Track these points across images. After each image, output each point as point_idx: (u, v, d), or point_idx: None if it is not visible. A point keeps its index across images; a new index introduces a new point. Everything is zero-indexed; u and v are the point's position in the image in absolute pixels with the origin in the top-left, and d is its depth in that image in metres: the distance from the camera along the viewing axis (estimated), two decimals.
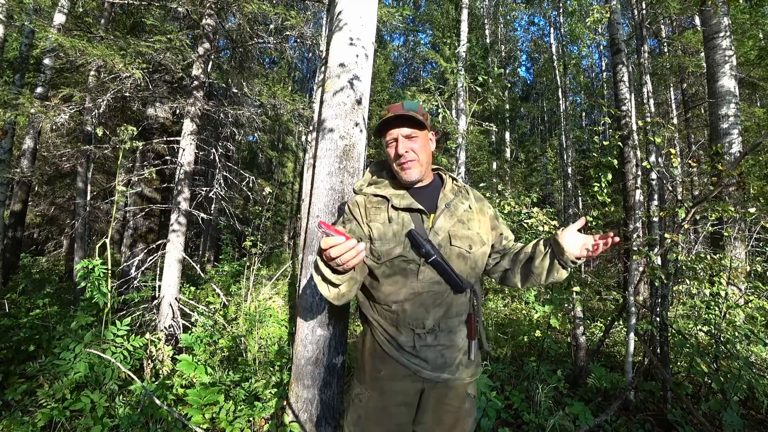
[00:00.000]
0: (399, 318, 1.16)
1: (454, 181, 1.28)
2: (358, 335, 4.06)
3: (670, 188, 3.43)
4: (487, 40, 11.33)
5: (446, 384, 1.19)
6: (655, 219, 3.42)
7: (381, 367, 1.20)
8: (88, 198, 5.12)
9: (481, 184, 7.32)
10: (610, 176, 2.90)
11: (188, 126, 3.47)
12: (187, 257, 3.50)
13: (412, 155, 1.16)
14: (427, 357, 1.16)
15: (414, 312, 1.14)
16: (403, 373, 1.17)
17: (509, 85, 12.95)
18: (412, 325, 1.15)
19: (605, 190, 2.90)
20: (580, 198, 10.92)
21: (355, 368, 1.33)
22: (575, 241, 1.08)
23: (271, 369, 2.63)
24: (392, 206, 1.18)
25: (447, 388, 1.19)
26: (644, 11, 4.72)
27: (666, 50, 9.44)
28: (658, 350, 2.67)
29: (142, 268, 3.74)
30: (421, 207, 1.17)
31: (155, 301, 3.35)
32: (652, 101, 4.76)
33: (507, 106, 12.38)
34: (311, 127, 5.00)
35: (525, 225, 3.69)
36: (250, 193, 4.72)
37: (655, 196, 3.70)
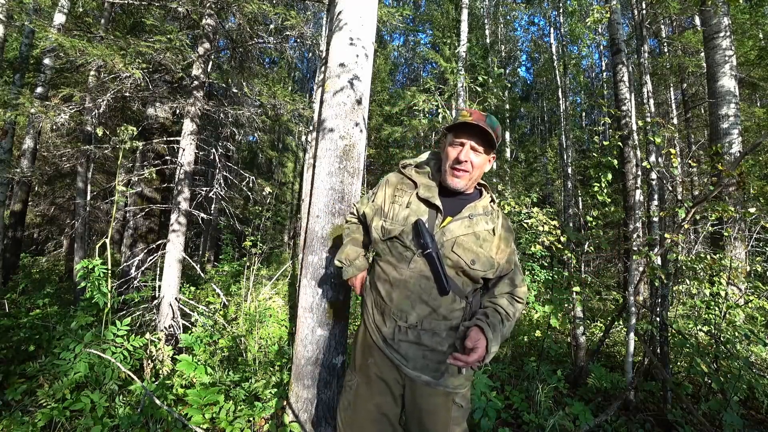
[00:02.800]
0: (386, 306, 1.18)
1: (492, 202, 1.27)
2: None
3: (670, 188, 3.43)
4: (487, 40, 11.33)
5: (428, 387, 1.17)
6: (655, 219, 3.42)
7: (369, 356, 1.24)
8: (88, 198, 5.12)
9: None
10: (610, 176, 2.90)
11: (188, 126, 3.47)
12: (187, 257, 3.50)
13: (469, 167, 1.18)
14: (407, 353, 1.16)
15: (400, 302, 1.16)
16: (388, 364, 1.20)
17: (509, 85, 12.94)
18: (396, 315, 1.16)
19: (605, 190, 2.90)
20: (580, 198, 10.92)
21: (349, 360, 1.37)
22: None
23: (271, 369, 2.63)
24: (417, 194, 1.22)
25: (432, 392, 1.17)
26: (644, 11, 4.71)
27: (666, 50, 9.44)
28: (658, 350, 2.66)
29: (142, 268, 3.74)
30: (438, 204, 1.18)
31: (155, 301, 3.35)
32: (652, 101, 4.76)
33: (507, 106, 12.38)
34: (311, 127, 5.00)
35: (525, 225, 3.69)
36: (250, 193, 4.72)
37: (655, 196, 3.70)
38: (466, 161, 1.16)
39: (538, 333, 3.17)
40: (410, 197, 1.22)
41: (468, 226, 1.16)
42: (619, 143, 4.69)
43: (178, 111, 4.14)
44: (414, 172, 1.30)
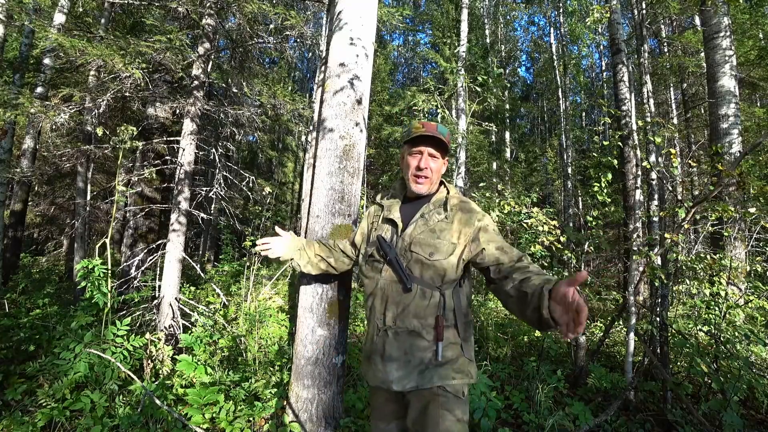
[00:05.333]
0: (370, 313, 1.33)
1: (448, 193, 1.37)
2: (358, 335, 4.07)
3: (670, 188, 3.43)
4: (487, 40, 11.33)
5: (416, 391, 1.23)
6: (655, 219, 3.42)
7: (369, 365, 1.34)
8: (88, 198, 5.11)
9: (481, 184, 7.31)
10: (610, 176, 2.90)
11: (188, 126, 3.47)
12: (187, 257, 3.50)
13: (429, 173, 1.32)
14: (390, 354, 1.24)
15: (378, 306, 1.29)
16: (380, 379, 1.28)
17: (509, 85, 12.93)
18: (378, 319, 1.29)
19: (605, 190, 2.90)
20: (580, 198, 10.93)
21: (356, 367, 1.43)
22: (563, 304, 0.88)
23: (271, 369, 2.63)
24: (382, 216, 1.40)
25: (419, 395, 1.23)
26: (644, 11, 4.71)
27: (666, 50, 9.43)
28: (658, 350, 2.67)
29: (142, 268, 3.74)
30: (394, 218, 1.35)
31: (155, 301, 3.35)
32: (652, 101, 4.76)
33: (507, 106, 12.37)
34: (311, 127, 5.00)
35: (525, 225, 3.69)
36: (250, 193, 4.72)
37: (655, 196, 3.70)
38: (426, 168, 1.31)
39: (538, 333, 3.17)
40: (379, 221, 1.40)
41: (423, 224, 1.29)
42: (619, 143, 4.69)
43: (178, 111, 4.14)
44: (383, 199, 1.47)
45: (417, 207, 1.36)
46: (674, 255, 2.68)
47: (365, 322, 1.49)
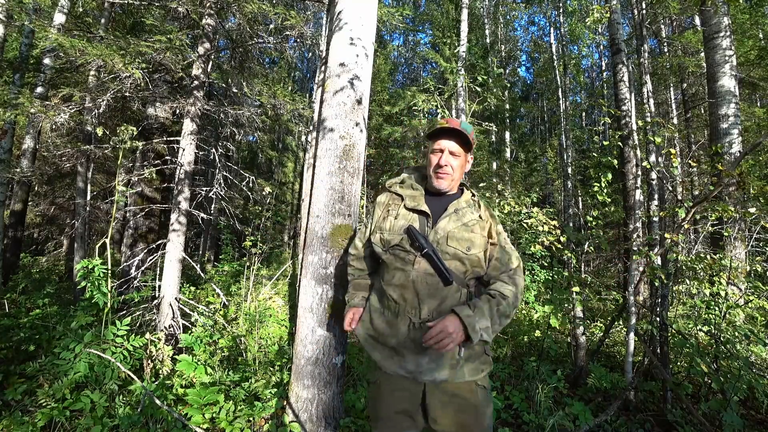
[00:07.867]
0: (400, 306, 1.27)
1: (473, 196, 1.42)
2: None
3: (670, 188, 3.43)
4: (487, 40, 11.33)
5: (447, 383, 1.23)
6: (655, 219, 3.42)
7: (390, 356, 1.30)
8: (88, 198, 5.11)
9: (481, 184, 7.32)
10: (610, 176, 2.90)
11: (188, 126, 3.47)
12: (187, 257, 3.50)
13: (450, 170, 1.33)
14: (425, 349, 1.21)
15: (412, 299, 1.25)
16: (404, 371, 1.25)
17: (509, 85, 12.92)
18: (410, 313, 1.25)
19: (605, 190, 2.90)
20: (580, 198, 10.92)
21: (356, 367, 1.41)
22: None
23: (271, 369, 2.63)
24: (404, 205, 1.35)
25: (453, 387, 1.24)
26: (644, 11, 4.71)
27: (666, 50, 9.43)
28: (658, 350, 2.66)
29: (142, 268, 3.74)
30: (425, 209, 1.31)
31: (155, 301, 3.34)
32: (652, 101, 4.75)
33: (507, 106, 12.35)
34: (311, 127, 5.00)
35: (525, 225, 3.69)
36: (250, 193, 4.72)
37: (655, 196, 3.69)
38: (446, 165, 1.31)
39: (538, 333, 3.17)
40: (399, 209, 1.36)
41: (456, 219, 1.29)
42: (619, 143, 4.69)
43: (178, 111, 4.14)
44: (399, 187, 1.43)
45: (444, 202, 1.35)
46: (674, 255, 2.68)
47: (375, 310, 1.37)
